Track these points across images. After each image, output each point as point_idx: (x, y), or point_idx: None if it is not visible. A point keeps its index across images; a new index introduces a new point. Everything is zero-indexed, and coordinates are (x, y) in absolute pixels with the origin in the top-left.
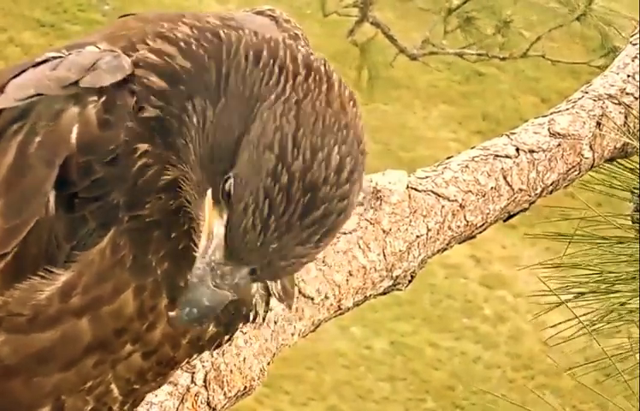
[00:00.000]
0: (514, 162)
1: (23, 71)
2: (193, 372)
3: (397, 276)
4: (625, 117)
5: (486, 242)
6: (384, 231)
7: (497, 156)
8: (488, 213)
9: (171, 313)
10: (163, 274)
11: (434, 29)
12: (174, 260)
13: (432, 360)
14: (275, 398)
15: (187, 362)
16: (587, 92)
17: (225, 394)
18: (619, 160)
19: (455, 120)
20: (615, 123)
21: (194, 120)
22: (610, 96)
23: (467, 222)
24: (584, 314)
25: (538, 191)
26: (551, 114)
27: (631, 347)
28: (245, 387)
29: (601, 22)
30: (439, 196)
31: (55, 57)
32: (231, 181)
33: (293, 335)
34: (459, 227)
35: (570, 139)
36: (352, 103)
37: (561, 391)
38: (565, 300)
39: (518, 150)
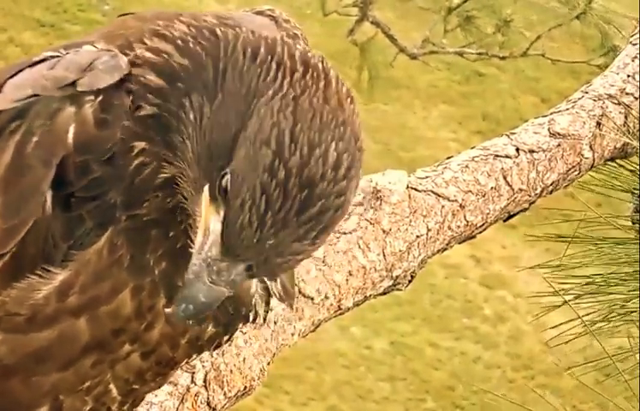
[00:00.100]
0: (514, 162)
1: (20, 70)
2: (193, 372)
3: (397, 276)
4: (625, 117)
5: (486, 242)
6: (384, 231)
7: (497, 156)
8: (488, 213)
9: (167, 310)
10: (161, 274)
11: (434, 28)
12: (172, 260)
13: (432, 360)
14: (275, 398)
15: (187, 362)
16: (587, 92)
17: (225, 394)
18: (618, 161)
19: (455, 120)
20: (615, 123)
21: (191, 117)
22: (610, 96)
23: (467, 222)
24: (585, 315)
25: (538, 191)
26: (551, 114)
27: (631, 347)
28: (245, 387)
29: (601, 20)
30: (439, 196)
31: (52, 57)
32: (228, 177)
33: (293, 335)
34: (459, 227)
35: (570, 139)
36: (349, 100)
37: (561, 391)
38: (567, 301)
39: (518, 150)
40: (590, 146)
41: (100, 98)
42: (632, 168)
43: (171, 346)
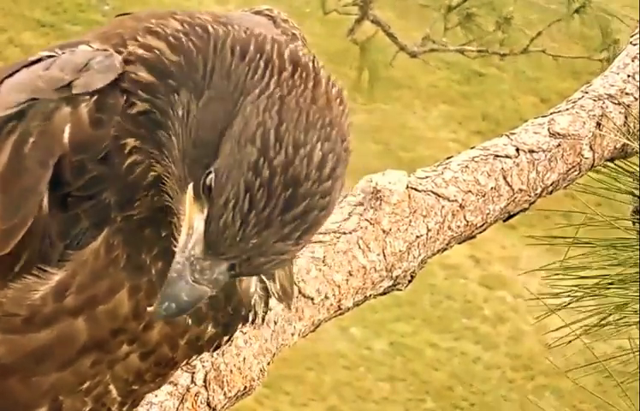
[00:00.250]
0: (514, 162)
1: (17, 71)
2: (193, 372)
3: (397, 277)
4: (625, 118)
5: (486, 243)
6: (384, 231)
7: (497, 156)
8: (488, 213)
9: (149, 308)
10: (158, 273)
11: (434, 26)
12: (168, 259)
13: (432, 361)
14: (275, 399)
15: (187, 363)
16: (587, 92)
17: (225, 394)
18: (618, 162)
19: (455, 120)
20: (615, 124)
21: (179, 113)
22: (610, 96)
23: (467, 222)
24: (585, 317)
25: (538, 191)
26: (551, 114)
27: (631, 348)
28: (245, 387)
29: (603, 13)
30: (439, 196)
31: (48, 56)
32: (212, 175)
33: (292, 335)
34: (458, 227)
35: (570, 139)
36: (338, 100)
37: (561, 392)
38: (563, 304)
39: (518, 150)
40: (590, 146)
41: (95, 97)
42: (632, 169)
43: (170, 346)
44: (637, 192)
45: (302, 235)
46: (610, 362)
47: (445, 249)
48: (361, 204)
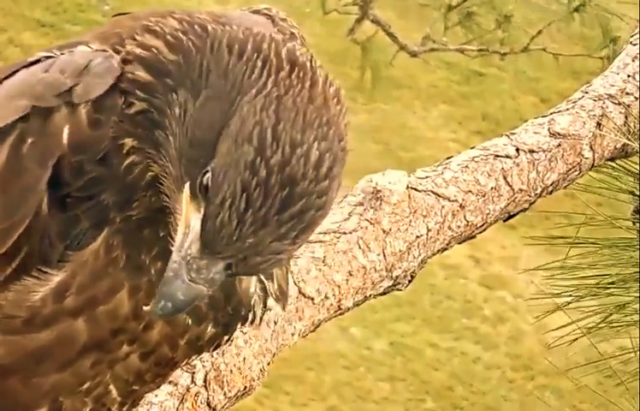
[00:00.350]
0: (514, 162)
1: (16, 71)
2: (193, 372)
3: (397, 277)
4: (626, 117)
5: (486, 243)
6: (384, 231)
7: (497, 156)
8: (488, 213)
9: (145, 307)
10: (157, 274)
11: (434, 26)
12: (167, 259)
13: (432, 361)
14: (275, 399)
15: (187, 363)
16: (587, 92)
17: (225, 394)
18: (619, 161)
19: (455, 120)
20: (615, 124)
21: (176, 112)
22: (610, 96)
23: (467, 222)
24: (586, 317)
25: (538, 191)
26: (551, 114)
27: (633, 348)
28: (245, 387)
29: (602, 12)
30: (439, 196)
31: (47, 57)
32: (209, 174)
33: (293, 335)
34: (459, 227)
35: (570, 139)
36: (336, 99)
37: (561, 392)
38: (564, 303)
39: (518, 150)
40: (590, 146)
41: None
42: (633, 168)
43: (170, 347)
44: (637, 191)
45: (299, 235)
46: (610, 362)
47: (445, 249)
48: (361, 204)
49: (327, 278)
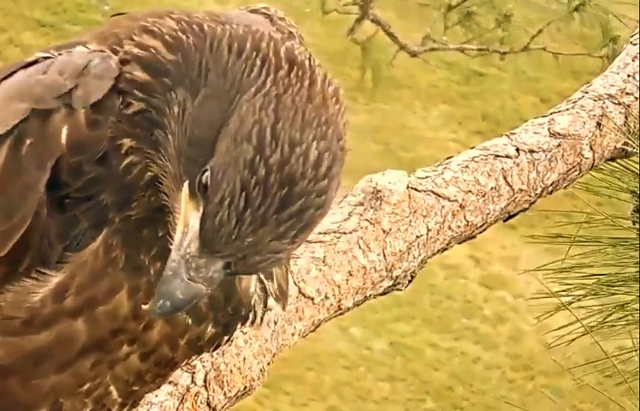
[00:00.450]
0: (514, 162)
1: (13, 72)
2: (193, 372)
3: (397, 277)
4: (626, 117)
5: (486, 243)
6: (384, 231)
7: (497, 156)
8: (488, 213)
9: (144, 306)
10: (157, 274)
11: (434, 26)
12: (166, 259)
13: (432, 361)
14: (275, 399)
15: (187, 363)
16: (587, 92)
17: (225, 394)
18: (619, 161)
19: (455, 120)
20: (615, 124)
21: (175, 111)
22: (610, 96)
23: (467, 222)
24: (586, 317)
25: (538, 191)
26: (551, 114)
27: (633, 345)
28: (245, 387)
29: (602, 12)
30: (439, 196)
31: (45, 58)
32: (208, 173)
33: (293, 335)
34: (459, 227)
35: (570, 139)
36: (334, 99)
37: (561, 392)
38: (566, 303)
39: (518, 150)
40: (591, 146)
41: None
42: (633, 168)
43: (170, 347)
44: (637, 191)
45: (298, 234)
46: (611, 361)
47: (445, 249)
48: (361, 204)
49: (327, 278)
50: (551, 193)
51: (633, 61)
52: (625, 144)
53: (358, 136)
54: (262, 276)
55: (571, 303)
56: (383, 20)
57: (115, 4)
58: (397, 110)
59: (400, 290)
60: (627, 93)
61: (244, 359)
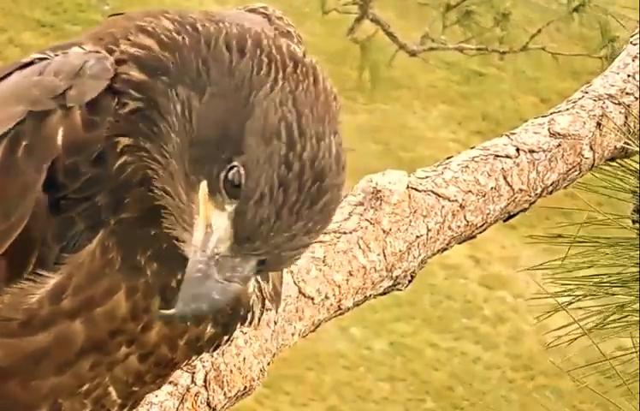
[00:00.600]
0: (514, 162)
1: (9, 74)
2: (193, 372)
3: (397, 277)
4: (626, 117)
5: (486, 243)
6: (384, 231)
7: (497, 156)
8: (488, 213)
9: (166, 312)
10: (153, 274)
11: (433, 25)
12: (162, 260)
13: (432, 361)
14: (275, 399)
15: (187, 364)
16: (587, 92)
17: (225, 394)
18: (619, 161)
19: (455, 120)
20: (615, 124)
21: (178, 110)
22: (610, 96)
23: (467, 222)
24: (585, 317)
25: (538, 191)
26: (551, 114)
27: (633, 345)
28: (245, 387)
29: (602, 13)
30: (439, 196)
31: (40, 59)
32: (240, 170)
33: (293, 335)
34: (459, 227)
35: (570, 139)
36: (333, 96)
37: (561, 392)
38: (564, 303)
39: (518, 150)
40: (591, 146)
41: None
42: (633, 167)
43: (170, 347)
44: (637, 191)
45: (322, 228)
46: (611, 362)
47: (445, 249)
48: (361, 204)
49: (327, 278)
50: (551, 193)
51: (633, 61)
52: (625, 144)
53: (358, 136)
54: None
55: (570, 304)
56: (383, 19)
57: (114, 4)
58: (397, 110)
59: (400, 290)
60: (627, 93)
61: (244, 359)
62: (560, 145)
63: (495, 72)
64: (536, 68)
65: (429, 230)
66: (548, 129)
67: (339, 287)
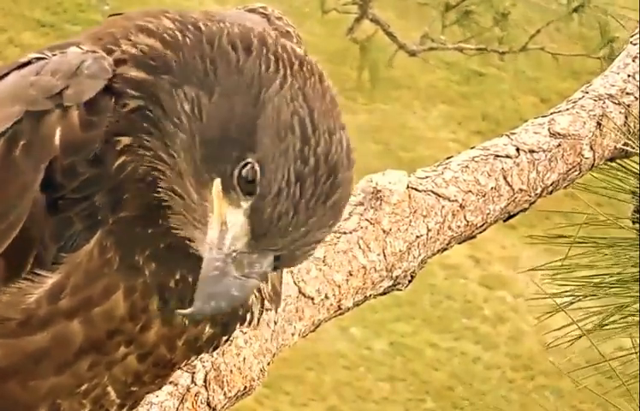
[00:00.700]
0: (514, 162)
1: (7, 74)
2: (193, 372)
3: (397, 277)
4: (626, 117)
5: (486, 243)
6: (384, 231)
7: (497, 156)
8: (488, 213)
9: (184, 311)
10: (152, 274)
11: (432, 25)
12: (161, 260)
13: (432, 361)
14: (275, 399)
15: (187, 364)
16: (587, 92)
17: (225, 394)
18: (619, 161)
19: (455, 120)
20: (615, 124)
21: (187, 108)
22: (610, 96)
23: (467, 222)
24: (584, 318)
25: (538, 191)
26: (551, 114)
27: (633, 345)
28: (245, 387)
29: (601, 13)
30: (439, 196)
31: (38, 59)
32: (255, 166)
33: (293, 335)
34: (459, 227)
35: (570, 139)
36: (334, 95)
37: (561, 392)
38: (564, 304)
39: (518, 150)
40: (591, 146)
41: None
42: (633, 168)
43: (168, 348)
44: (637, 191)
45: (334, 223)
46: (611, 363)
47: (445, 249)
48: (361, 204)
49: (327, 278)
50: (551, 193)
51: (633, 61)
52: (625, 144)
53: (358, 136)
54: None
55: (571, 304)
56: (382, 19)
57: (114, 4)
58: (397, 110)
59: (400, 290)
60: (627, 93)
61: (244, 359)
62: (560, 145)
63: (495, 72)
64: (535, 68)
65: (429, 230)
66: (548, 129)
67: (339, 287)
